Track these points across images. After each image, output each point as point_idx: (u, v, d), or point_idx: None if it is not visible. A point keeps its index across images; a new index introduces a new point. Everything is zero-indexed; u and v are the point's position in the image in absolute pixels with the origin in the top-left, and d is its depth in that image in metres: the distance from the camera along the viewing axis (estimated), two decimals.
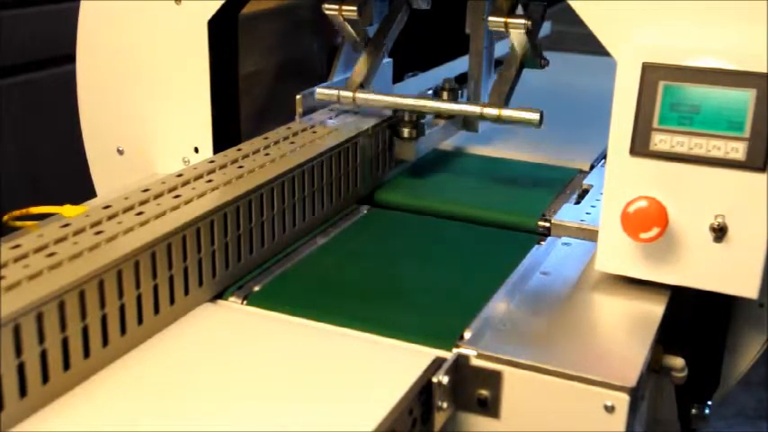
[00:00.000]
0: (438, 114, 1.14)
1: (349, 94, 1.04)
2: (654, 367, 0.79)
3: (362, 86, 1.06)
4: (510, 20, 0.96)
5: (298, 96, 1.07)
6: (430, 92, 1.15)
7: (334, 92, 1.05)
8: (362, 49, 1.09)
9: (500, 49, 1.31)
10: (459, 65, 1.39)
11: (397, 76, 1.30)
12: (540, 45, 1.02)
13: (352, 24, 1.07)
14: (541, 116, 0.97)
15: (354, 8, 1.04)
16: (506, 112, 0.99)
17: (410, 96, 1.06)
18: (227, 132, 1.02)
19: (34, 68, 1.68)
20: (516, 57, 1.02)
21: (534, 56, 1.01)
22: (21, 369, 0.60)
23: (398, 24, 1.12)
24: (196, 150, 1.00)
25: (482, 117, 1.01)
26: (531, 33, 0.98)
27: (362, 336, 0.74)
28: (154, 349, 0.70)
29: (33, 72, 1.69)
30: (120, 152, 1.04)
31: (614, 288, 0.80)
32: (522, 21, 0.96)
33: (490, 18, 0.97)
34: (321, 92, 1.06)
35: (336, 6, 1.04)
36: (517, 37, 0.99)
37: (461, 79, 1.25)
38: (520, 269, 0.85)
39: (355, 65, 1.09)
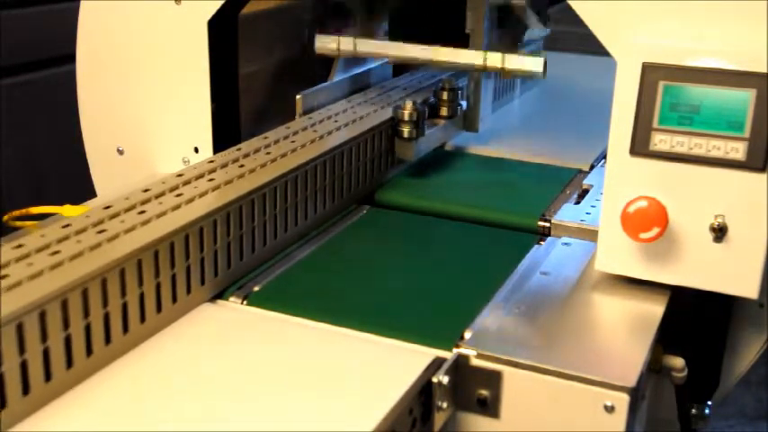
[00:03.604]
0: (439, 115, 1.14)
1: (349, 43, 1.02)
2: (654, 367, 0.79)
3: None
4: None
5: (298, 96, 1.07)
6: (432, 99, 1.15)
7: (334, 42, 1.02)
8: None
9: None
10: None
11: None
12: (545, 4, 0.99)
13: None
14: (545, 65, 0.95)
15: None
16: (510, 63, 0.96)
17: (409, 47, 1.03)
18: (227, 132, 1.02)
19: (34, 68, 1.69)
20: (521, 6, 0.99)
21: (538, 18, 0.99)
22: (24, 367, 0.60)
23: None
24: (196, 150, 1.00)
25: (485, 68, 0.98)
26: None
27: (362, 336, 0.74)
28: (154, 349, 0.70)
29: (33, 72, 1.69)
30: (120, 152, 1.04)
31: (614, 288, 0.80)
32: None
33: None
34: (320, 42, 1.02)
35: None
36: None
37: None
38: (520, 269, 0.85)
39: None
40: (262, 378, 0.67)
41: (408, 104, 1.09)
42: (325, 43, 1.01)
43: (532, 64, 0.95)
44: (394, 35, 1.20)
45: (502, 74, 0.97)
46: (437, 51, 1.02)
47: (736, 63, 0.72)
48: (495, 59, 0.96)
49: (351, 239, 0.93)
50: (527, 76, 0.94)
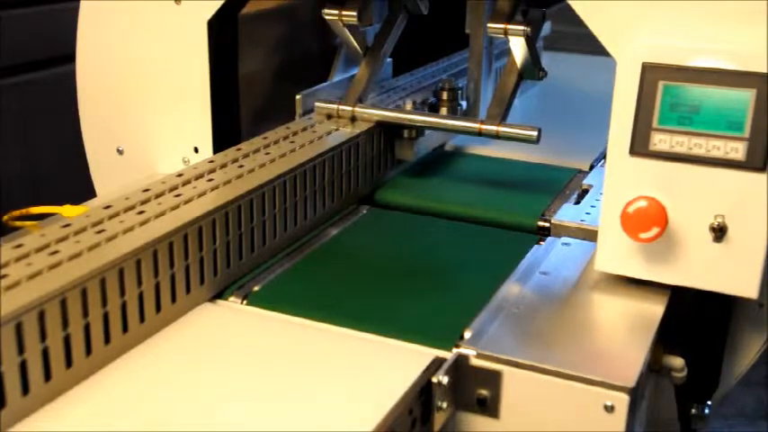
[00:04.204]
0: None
1: (348, 108, 1.04)
2: (654, 367, 0.79)
3: (361, 100, 1.06)
4: (510, 26, 0.96)
5: (298, 96, 1.07)
6: (432, 99, 1.15)
7: (334, 106, 1.05)
8: (361, 59, 1.09)
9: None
10: (459, 61, 1.40)
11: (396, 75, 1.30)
12: (538, 55, 1.02)
13: (352, 30, 1.07)
14: (539, 133, 0.97)
15: (354, 13, 1.04)
16: (504, 130, 0.99)
17: (409, 112, 1.06)
18: (227, 132, 1.02)
19: (34, 68, 1.69)
20: (515, 66, 1.02)
21: (533, 66, 1.01)
22: (23, 367, 0.60)
23: (396, 31, 1.11)
24: (196, 150, 1.00)
25: (480, 133, 1.01)
26: (530, 40, 0.98)
27: (362, 336, 0.74)
28: (154, 349, 0.70)
29: (33, 72, 1.69)
30: (120, 152, 1.04)
31: (614, 288, 0.80)
32: (522, 27, 0.96)
33: (490, 24, 0.97)
34: (320, 105, 1.05)
35: (336, 11, 1.04)
36: (516, 44, 0.98)
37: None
38: (520, 269, 0.85)
39: (355, 76, 1.09)
40: (261, 378, 0.67)
41: (408, 104, 1.09)
42: (325, 107, 1.07)
43: (527, 132, 0.98)
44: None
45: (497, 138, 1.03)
46: (433, 116, 1.07)
47: (736, 63, 0.72)
48: (489, 127, 1.01)
49: (351, 239, 0.93)
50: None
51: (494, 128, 1.00)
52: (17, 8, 1.64)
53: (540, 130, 0.97)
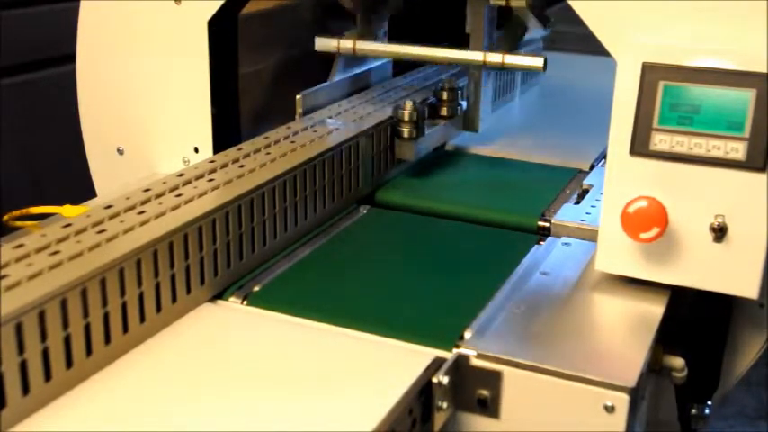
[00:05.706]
0: (439, 115, 1.14)
1: (349, 43, 1.03)
2: (654, 367, 0.79)
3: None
4: None
5: (298, 96, 1.07)
6: (432, 99, 1.15)
7: (334, 41, 1.03)
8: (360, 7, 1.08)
9: None
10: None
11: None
12: (543, 12, 1.01)
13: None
14: (545, 62, 0.96)
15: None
16: (510, 59, 0.98)
17: (411, 45, 1.05)
18: (227, 132, 1.02)
19: (34, 68, 1.68)
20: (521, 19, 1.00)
21: (538, 21, 0.99)
22: (23, 367, 0.60)
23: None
24: (196, 150, 1.00)
25: (485, 64, 0.99)
26: (531, 7, 0.96)
27: (362, 336, 0.74)
28: (154, 349, 0.70)
29: (33, 72, 1.69)
30: (120, 152, 1.04)
31: (614, 288, 0.80)
32: None
33: None
34: (320, 42, 1.04)
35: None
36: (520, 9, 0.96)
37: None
38: (520, 269, 0.85)
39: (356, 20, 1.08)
40: (261, 378, 0.67)
41: (408, 104, 1.09)
42: (325, 43, 1.03)
43: (533, 61, 0.96)
44: (394, 37, 1.20)
45: (502, 69, 0.99)
46: (436, 50, 1.04)
47: (736, 63, 0.72)
48: (494, 57, 0.98)
49: (351, 239, 0.93)
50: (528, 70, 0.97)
51: (499, 58, 0.98)
52: (17, 8, 1.64)
53: (546, 59, 0.96)
